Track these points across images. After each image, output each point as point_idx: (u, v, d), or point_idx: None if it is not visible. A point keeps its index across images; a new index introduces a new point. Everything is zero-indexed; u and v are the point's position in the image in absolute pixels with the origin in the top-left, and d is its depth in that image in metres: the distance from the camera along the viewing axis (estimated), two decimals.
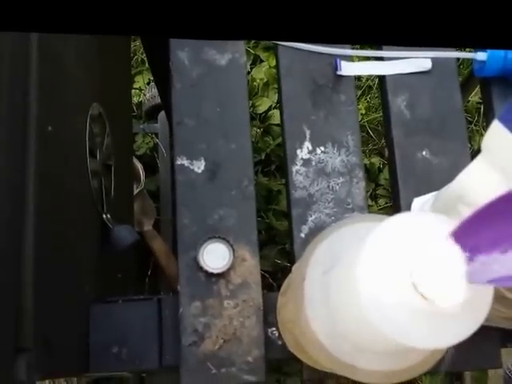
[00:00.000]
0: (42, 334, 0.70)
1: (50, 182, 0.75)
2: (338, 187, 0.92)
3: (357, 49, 0.99)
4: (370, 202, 1.83)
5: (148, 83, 1.86)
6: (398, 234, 0.51)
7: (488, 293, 0.51)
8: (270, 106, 1.85)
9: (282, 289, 0.83)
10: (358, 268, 0.51)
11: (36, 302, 0.68)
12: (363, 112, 1.90)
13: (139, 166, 1.58)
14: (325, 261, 0.64)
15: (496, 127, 0.63)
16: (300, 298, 0.66)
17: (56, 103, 0.79)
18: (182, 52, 0.96)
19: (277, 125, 1.82)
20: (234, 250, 0.86)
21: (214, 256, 0.86)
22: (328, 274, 0.62)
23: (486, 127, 1.39)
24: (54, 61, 0.79)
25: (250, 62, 1.90)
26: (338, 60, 0.96)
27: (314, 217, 0.91)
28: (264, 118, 1.86)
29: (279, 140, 1.80)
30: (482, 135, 1.86)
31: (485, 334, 0.85)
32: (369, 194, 1.83)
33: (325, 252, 0.66)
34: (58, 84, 0.81)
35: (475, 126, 1.89)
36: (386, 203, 1.83)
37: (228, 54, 0.97)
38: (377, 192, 1.86)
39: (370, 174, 1.86)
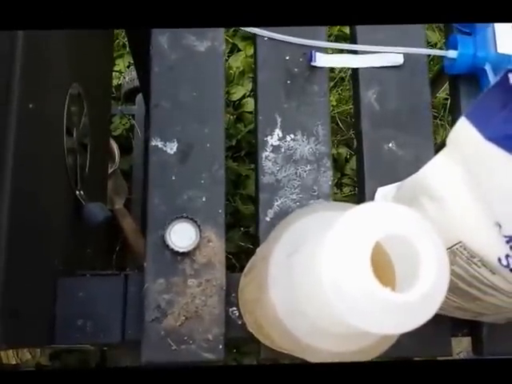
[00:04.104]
0: (9, 305, 0.69)
1: (27, 156, 0.73)
2: (305, 174, 0.91)
3: (332, 41, 0.98)
4: (335, 190, 1.83)
5: (128, 66, 1.84)
6: (361, 222, 0.50)
7: (443, 283, 0.50)
8: (244, 94, 1.83)
9: (245, 270, 0.82)
10: (321, 255, 0.50)
11: (6, 274, 0.67)
12: (334, 103, 1.89)
13: (115, 145, 1.57)
14: (290, 244, 0.63)
15: (463, 123, 0.62)
16: (264, 278, 0.65)
17: (37, 82, 0.77)
18: (163, 37, 0.94)
19: (249, 112, 1.81)
20: (200, 231, 0.85)
21: (181, 235, 0.85)
22: (292, 257, 0.61)
23: (451, 123, 1.39)
24: (38, 41, 0.78)
25: (228, 50, 1.89)
26: (313, 51, 0.95)
27: (279, 201, 0.90)
28: (238, 105, 1.85)
29: (251, 127, 1.79)
30: (445, 129, 1.87)
31: (437, 322, 0.85)
32: (335, 182, 1.83)
33: (290, 236, 0.65)
34: (41, 63, 0.79)
35: (440, 120, 1.89)
36: (350, 191, 1.84)
37: (207, 42, 0.95)
38: (342, 181, 1.86)
39: (337, 164, 1.86)
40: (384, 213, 0.50)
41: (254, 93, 0.97)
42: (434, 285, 0.49)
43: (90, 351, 1.48)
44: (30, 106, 0.72)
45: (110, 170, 1.52)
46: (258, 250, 0.81)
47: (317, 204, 0.89)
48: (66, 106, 0.87)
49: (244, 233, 1.71)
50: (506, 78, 0.57)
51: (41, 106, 0.77)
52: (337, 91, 1.90)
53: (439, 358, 0.91)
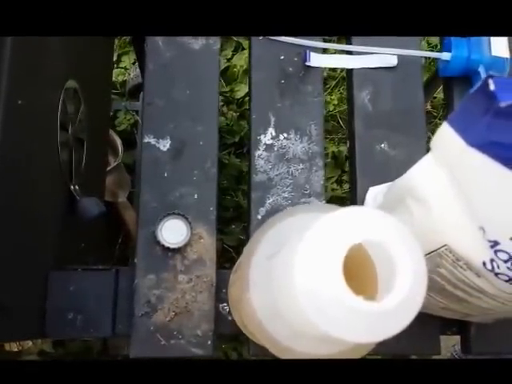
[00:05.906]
0: None
1: (15, 150, 0.72)
2: (297, 173, 0.89)
3: (334, 41, 0.96)
4: (335, 187, 1.82)
5: (133, 63, 1.83)
6: (336, 228, 0.48)
7: (419, 292, 0.47)
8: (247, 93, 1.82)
9: (234, 267, 0.80)
10: (295, 258, 0.48)
11: None
12: (335, 103, 1.87)
13: (118, 140, 1.55)
14: (271, 246, 0.62)
15: (445, 128, 0.60)
16: (246, 279, 0.63)
17: (28, 78, 0.75)
18: None
19: None
20: (191, 228, 0.84)
21: (172, 232, 0.84)
22: (272, 259, 0.58)
23: None
24: (29, 37, 0.75)
25: (232, 48, 1.87)
26: (308, 51, 0.93)
27: (271, 199, 0.88)
28: (241, 103, 1.83)
29: None
30: None
31: (426, 320, 0.83)
32: (335, 179, 1.82)
33: (272, 238, 0.64)
34: (33, 59, 0.77)
35: (439, 120, 1.87)
36: (350, 188, 1.82)
37: (202, 40, 0.93)
38: (342, 178, 1.85)
39: (338, 161, 1.84)
40: (360, 218, 0.48)
41: (248, 91, 0.95)
42: (408, 294, 0.46)
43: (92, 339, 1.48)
44: (20, 102, 0.70)
45: (113, 164, 1.51)
46: (244, 248, 0.79)
47: (304, 205, 0.87)
48: (60, 101, 0.85)
49: (245, 227, 1.70)
50: (486, 83, 0.54)
51: (32, 102, 0.75)
52: (338, 90, 1.88)
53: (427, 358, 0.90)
